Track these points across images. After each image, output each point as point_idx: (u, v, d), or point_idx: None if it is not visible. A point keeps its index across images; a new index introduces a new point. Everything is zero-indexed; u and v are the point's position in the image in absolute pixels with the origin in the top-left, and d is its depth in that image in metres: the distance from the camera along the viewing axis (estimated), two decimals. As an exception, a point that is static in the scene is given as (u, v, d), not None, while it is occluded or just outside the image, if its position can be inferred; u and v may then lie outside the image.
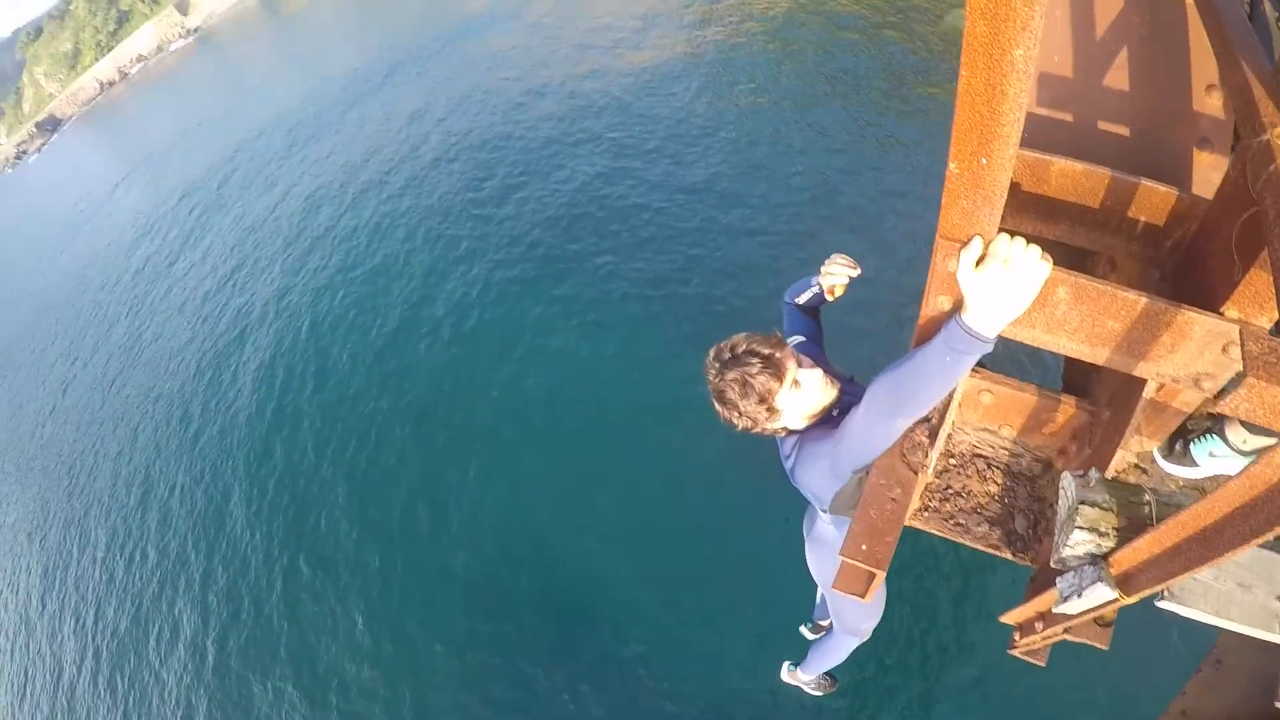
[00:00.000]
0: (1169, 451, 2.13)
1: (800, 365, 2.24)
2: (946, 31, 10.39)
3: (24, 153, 66.80)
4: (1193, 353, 1.45)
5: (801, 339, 2.70)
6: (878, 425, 1.79)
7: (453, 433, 7.82)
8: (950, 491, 2.25)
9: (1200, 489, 2.18)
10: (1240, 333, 0.99)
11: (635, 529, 6.26)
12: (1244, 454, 1.97)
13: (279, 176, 17.16)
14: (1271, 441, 1.91)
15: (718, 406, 2.27)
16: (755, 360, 2.15)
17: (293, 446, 9.05)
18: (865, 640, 3.51)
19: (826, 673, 4.51)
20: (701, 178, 9.40)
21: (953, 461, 2.29)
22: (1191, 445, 2.07)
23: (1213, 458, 2.02)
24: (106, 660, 8.61)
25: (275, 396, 9.99)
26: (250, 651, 7.40)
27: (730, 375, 2.17)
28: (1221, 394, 1.88)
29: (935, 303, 1.48)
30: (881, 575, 1.88)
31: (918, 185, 8.12)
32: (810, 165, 8.97)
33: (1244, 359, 0.98)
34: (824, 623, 4.61)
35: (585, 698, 5.53)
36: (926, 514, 2.23)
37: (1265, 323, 1.45)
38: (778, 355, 2.18)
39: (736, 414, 2.23)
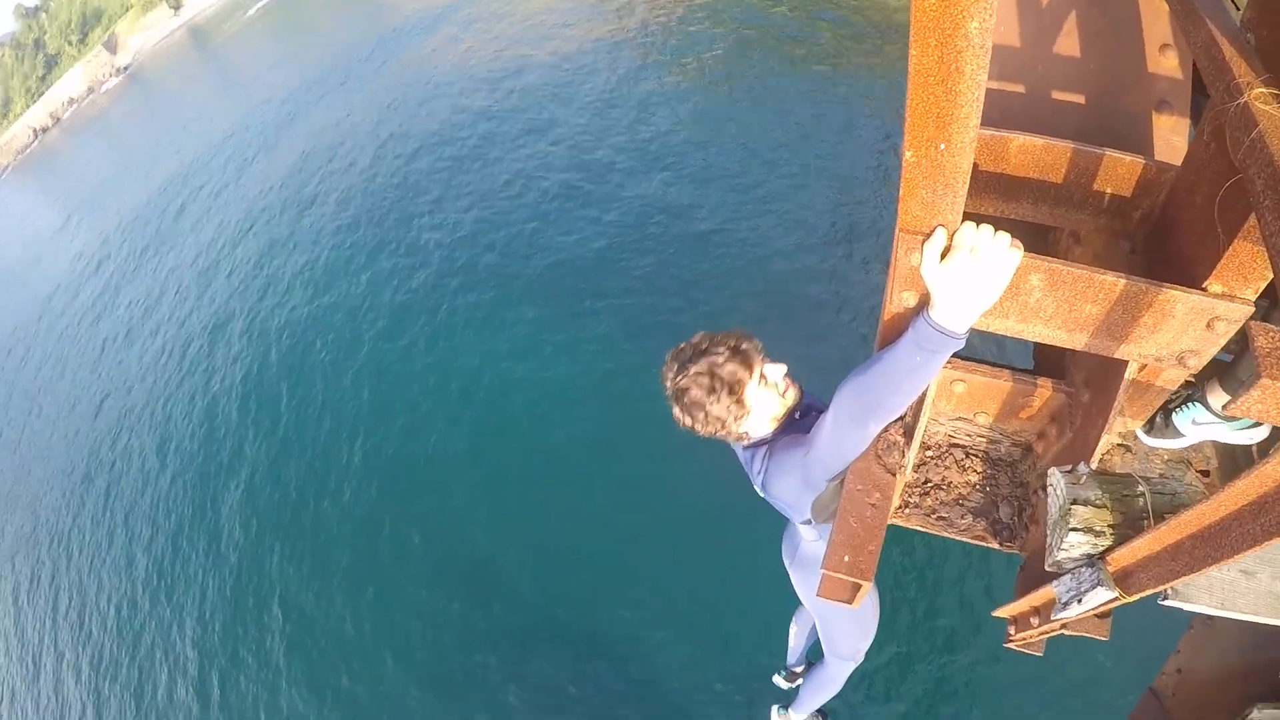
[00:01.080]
0: (1150, 426, 2.07)
1: (765, 360, 2.10)
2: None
3: (-40, 207, 65.05)
4: (1176, 331, 1.39)
5: None
6: (848, 433, 1.68)
7: (433, 458, 7.67)
8: (929, 485, 2.17)
9: (1186, 460, 2.12)
10: (1248, 329, 0.90)
11: (612, 550, 6.17)
12: (1228, 418, 1.91)
13: (217, 207, 16.82)
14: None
15: (678, 411, 2.08)
16: (722, 350, 1.99)
17: (258, 476, 8.83)
18: (859, 663, 3.30)
19: (819, 710, 4.20)
20: (654, 185, 9.29)
21: (929, 453, 2.21)
22: (1174, 415, 2.01)
23: (1196, 425, 1.96)
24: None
25: (233, 425, 9.75)
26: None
27: (695, 369, 1.99)
28: (1210, 373, 1.83)
29: (899, 300, 1.38)
30: (867, 586, 1.79)
31: (870, 172, 8.08)
32: (757, 158, 8.92)
33: (1256, 358, 0.89)
34: (798, 669, 4.37)
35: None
36: (907, 510, 2.15)
37: (1250, 295, 1.38)
38: (744, 345, 2.02)
39: (701, 415, 2.03)
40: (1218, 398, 1.89)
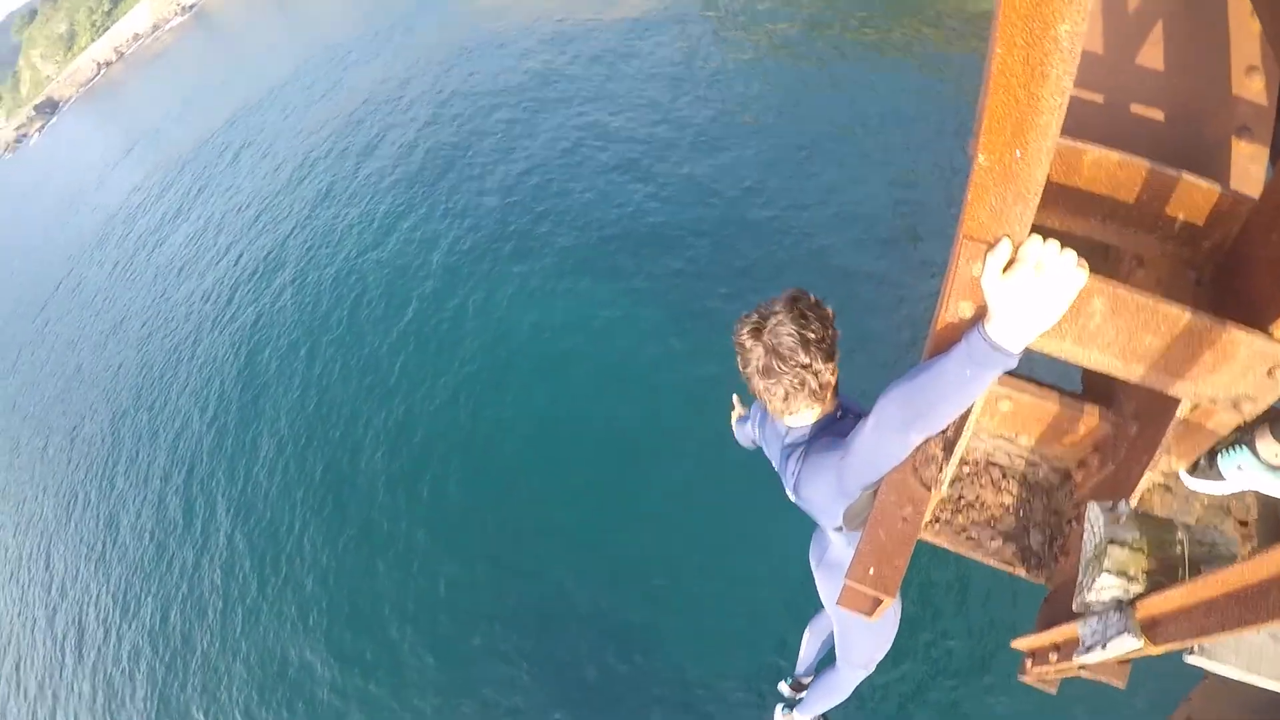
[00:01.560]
0: (1194, 467, 1.99)
1: None
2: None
3: (24, 136, 66.10)
4: (1235, 374, 1.33)
5: None
6: (887, 441, 1.61)
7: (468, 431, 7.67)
8: (963, 502, 2.10)
9: (1226, 508, 2.03)
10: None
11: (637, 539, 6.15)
12: (1274, 469, 1.83)
13: (276, 149, 16.93)
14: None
15: (774, 358, 1.88)
16: (815, 316, 1.88)
17: (279, 439, 8.93)
18: (870, 673, 3.23)
19: (824, 715, 4.11)
20: (714, 166, 9.13)
21: (966, 469, 2.14)
22: (1219, 458, 1.92)
23: (1240, 471, 1.87)
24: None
25: (266, 381, 9.87)
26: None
27: (815, 324, 1.86)
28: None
29: (955, 309, 1.32)
30: (889, 601, 1.73)
31: (934, 171, 7.87)
32: (820, 146, 8.73)
33: None
34: (806, 680, 4.29)
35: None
36: (937, 526, 2.09)
37: (1320, 345, 1.29)
38: (829, 310, 1.94)
39: (799, 367, 1.87)
40: (1267, 446, 1.80)
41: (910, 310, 6.51)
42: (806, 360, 1.87)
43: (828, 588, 2.74)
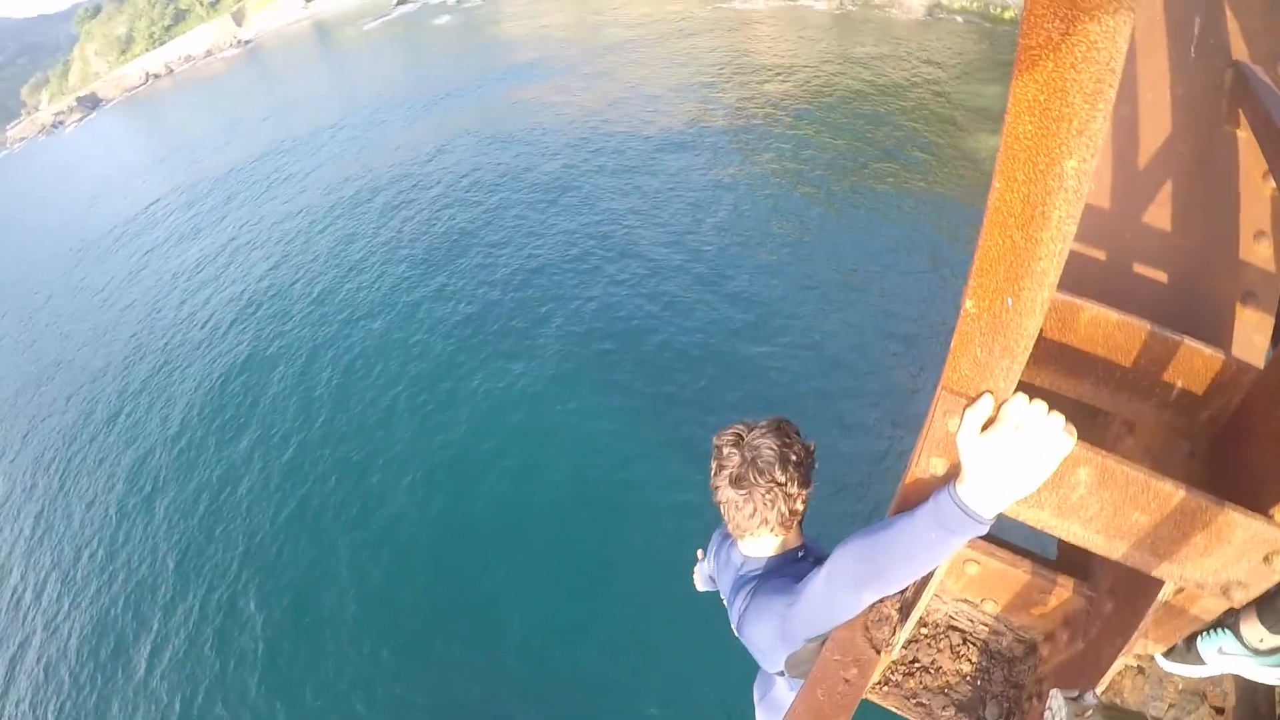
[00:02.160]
0: (1170, 649, 1.84)
1: None
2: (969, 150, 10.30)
3: (61, 123, 67.23)
4: (1228, 558, 1.21)
5: None
6: (840, 596, 1.46)
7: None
8: (917, 666, 1.93)
9: (1201, 693, 1.88)
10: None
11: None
12: (1259, 653, 1.68)
13: (299, 194, 17.14)
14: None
15: (751, 471, 1.78)
16: (799, 444, 1.82)
17: (264, 462, 8.77)
18: None
19: None
20: (719, 301, 9.12)
21: (924, 631, 1.97)
22: (1198, 639, 1.78)
23: (1222, 655, 1.73)
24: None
25: (244, 422, 9.73)
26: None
27: (799, 447, 1.80)
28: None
29: (926, 464, 1.20)
30: (821, 768, 1.54)
31: (936, 330, 7.85)
32: (817, 286, 8.76)
33: None
34: None
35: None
36: (886, 688, 1.91)
37: (1322, 532, 1.17)
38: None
39: (768, 483, 1.77)
40: (1253, 630, 1.66)
41: (891, 465, 6.42)
42: (782, 479, 1.77)
43: (765, 714, 2.56)
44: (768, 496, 1.78)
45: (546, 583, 6.35)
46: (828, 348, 7.78)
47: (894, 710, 1.88)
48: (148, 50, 73.15)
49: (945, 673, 1.90)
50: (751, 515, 1.81)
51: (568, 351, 8.54)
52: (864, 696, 1.79)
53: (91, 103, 69.76)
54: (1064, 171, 0.79)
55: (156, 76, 69.87)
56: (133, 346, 12.84)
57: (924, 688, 1.89)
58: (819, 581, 1.52)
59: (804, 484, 1.81)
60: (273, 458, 8.73)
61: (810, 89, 12.90)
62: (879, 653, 1.56)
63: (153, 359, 12.14)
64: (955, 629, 1.95)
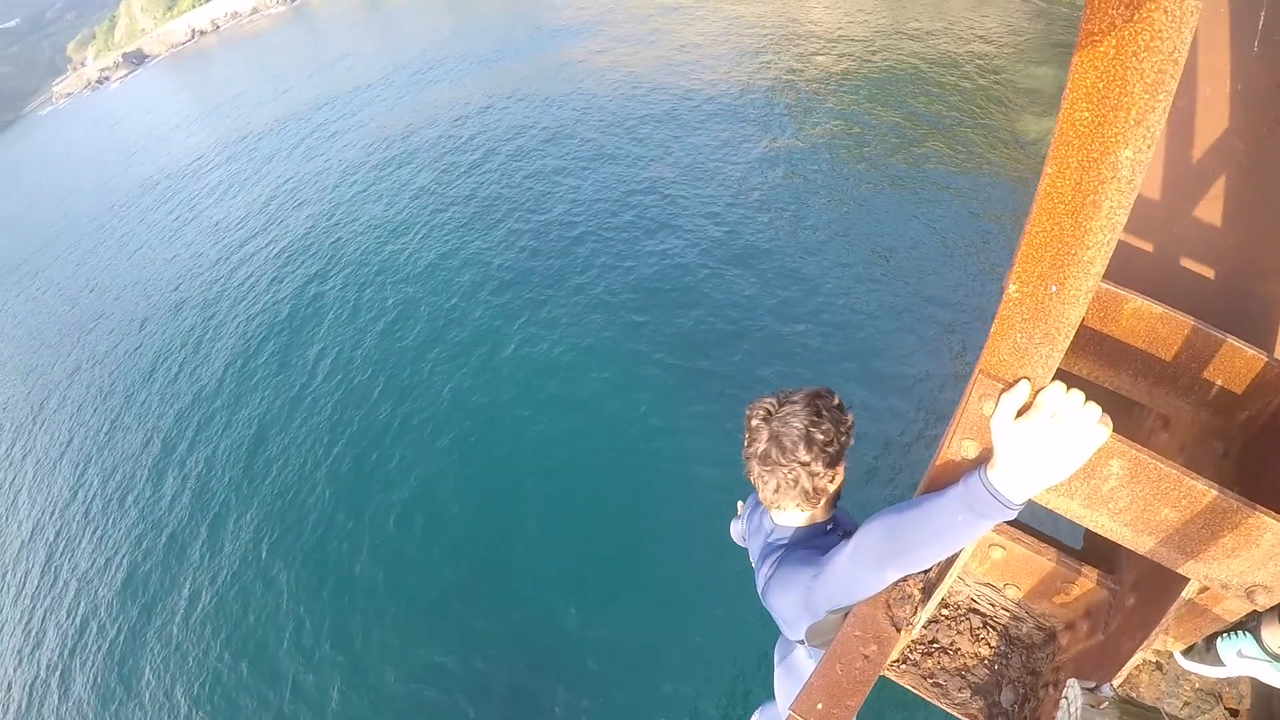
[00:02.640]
0: (1190, 649, 1.83)
1: None
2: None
3: (106, 79, 67.70)
4: (1255, 560, 1.20)
5: None
6: (864, 571, 1.48)
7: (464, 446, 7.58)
8: (936, 646, 1.94)
9: (1217, 694, 1.87)
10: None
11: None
12: (1279, 659, 1.67)
13: (341, 151, 17.17)
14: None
15: (774, 446, 1.80)
16: (848, 428, 1.83)
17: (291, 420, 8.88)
18: None
19: None
20: (760, 275, 9.00)
21: (944, 612, 1.98)
22: (1218, 641, 1.77)
23: (1241, 658, 1.73)
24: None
25: (270, 376, 9.84)
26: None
27: (826, 425, 1.78)
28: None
29: (959, 447, 1.20)
30: (834, 740, 1.56)
31: (976, 318, 7.72)
32: (855, 263, 8.62)
33: None
34: None
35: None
36: (904, 667, 1.93)
37: (1351, 542, 1.16)
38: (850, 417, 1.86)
39: (794, 461, 1.78)
40: (1274, 635, 1.66)
41: (921, 454, 6.35)
42: (806, 459, 1.77)
43: (784, 689, 2.58)
44: (790, 475, 1.79)
45: (574, 549, 6.40)
46: (864, 329, 7.70)
47: (910, 689, 1.90)
48: (194, 7, 73.18)
49: (964, 655, 1.91)
50: (776, 491, 1.83)
51: (604, 321, 8.52)
52: (882, 674, 1.81)
53: (137, 59, 70.09)
54: (1118, 161, 0.78)
55: (202, 33, 69.99)
56: (173, 301, 13.03)
57: (941, 669, 1.90)
58: (845, 555, 1.53)
59: (831, 463, 1.79)
60: (306, 417, 8.85)
61: (860, 62, 12.65)
62: (899, 631, 1.58)
63: (192, 315, 12.32)
64: (976, 612, 1.96)
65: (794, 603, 1.81)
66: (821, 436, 1.76)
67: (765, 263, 8.78)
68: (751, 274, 8.65)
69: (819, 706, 1.52)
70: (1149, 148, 0.77)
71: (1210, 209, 2.03)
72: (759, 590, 2.01)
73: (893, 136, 10.59)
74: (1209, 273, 1.98)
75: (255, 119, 24.15)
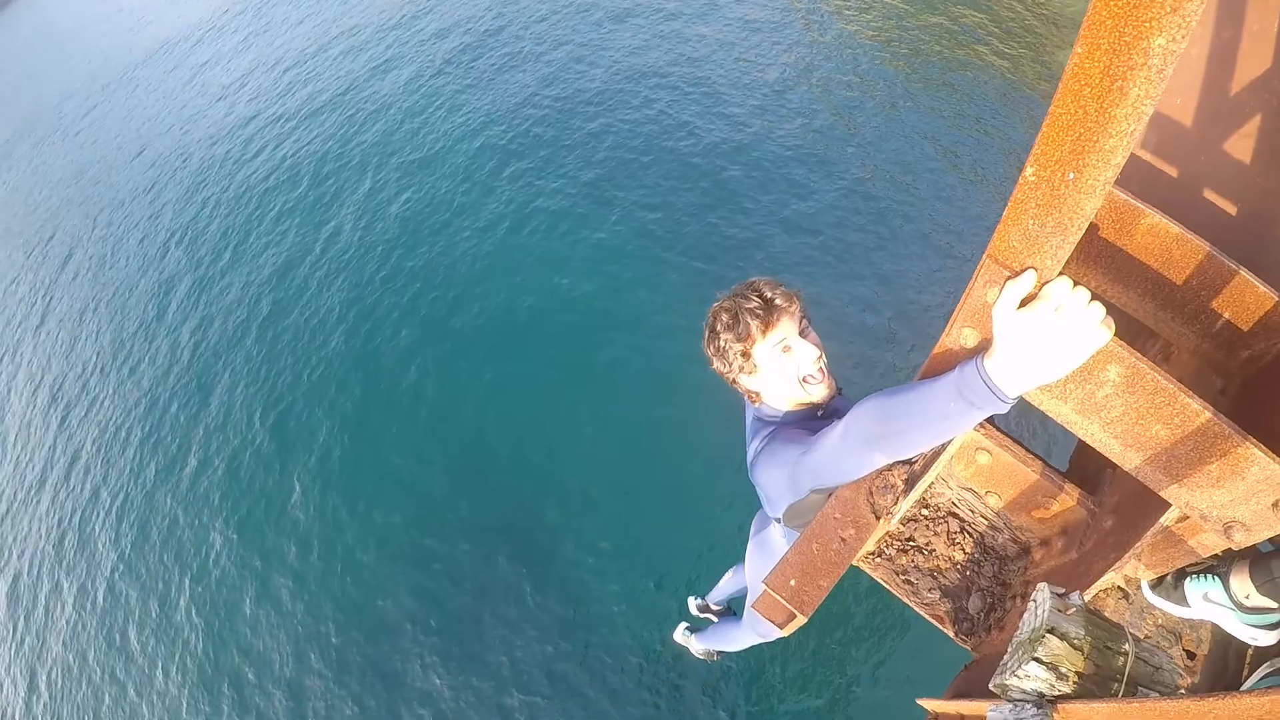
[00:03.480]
0: (1158, 583, 1.89)
1: (803, 334, 1.95)
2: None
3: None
4: (1238, 494, 1.21)
5: None
6: (851, 452, 1.50)
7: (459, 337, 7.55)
8: (912, 544, 2.00)
9: (1177, 634, 1.94)
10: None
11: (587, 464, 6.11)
12: (1243, 609, 1.72)
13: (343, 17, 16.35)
14: (1276, 606, 1.66)
15: (704, 335, 2.05)
16: (754, 298, 1.92)
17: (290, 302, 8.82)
18: (768, 641, 3.41)
19: (715, 650, 4.50)
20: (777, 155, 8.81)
21: (924, 512, 2.03)
22: (1187, 581, 1.83)
23: (1206, 601, 1.78)
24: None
25: (277, 237, 9.70)
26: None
27: (726, 303, 1.96)
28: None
29: (958, 334, 1.20)
30: (803, 618, 1.63)
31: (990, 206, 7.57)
32: (890, 167, 8.41)
33: None
34: (715, 607, 4.53)
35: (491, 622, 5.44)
36: (878, 560, 1.99)
37: (1341, 494, 1.17)
38: (778, 303, 1.92)
39: (715, 348, 1.99)
40: (1241, 584, 1.71)
41: (921, 349, 6.32)
42: (720, 346, 1.99)
43: (755, 563, 2.71)
44: (720, 363, 2.02)
45: (573, 453, 6.44)
46: (879, 251, 7.58)
47: (882, 583, 1.96)
48: None
49: (938, 556, 1.97)
50: (724, 376, 2.06)
51: (617, 217, 8.37)
52: (856, 564, 1.87)
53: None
54: (1150, 48, 0.76)
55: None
56: (170, 170, 12.74)
57: (915, 567, 1.96)
58: (834, 435, 1.56)
59: (742, 344, 1.93)
60: (315, 290, 8.79)
61: None
62: (878, 519, 1.62)
63: (187, 179, 12.07)
64: (955, 516, 2.01)
65: (780, 479, 1.87)
66: (722, 324, 1.96)
67: (784, 171, 8.56)
68: (769, 181, 8.46)
69: (792, 583, 1.57)
70: (1183, 38, 0.75)
71: (1241, 145, 1.99)
72: (749, 464, 2.08)
73: (936, 46, 10.20)
74: (1231, 208, 1.95)
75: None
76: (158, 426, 8.25)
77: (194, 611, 6.46)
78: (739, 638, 3.66)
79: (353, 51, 14.25)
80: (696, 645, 4.45)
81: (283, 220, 10.11)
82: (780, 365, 1.93)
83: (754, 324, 1.89)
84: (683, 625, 4.61)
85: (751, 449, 2.04)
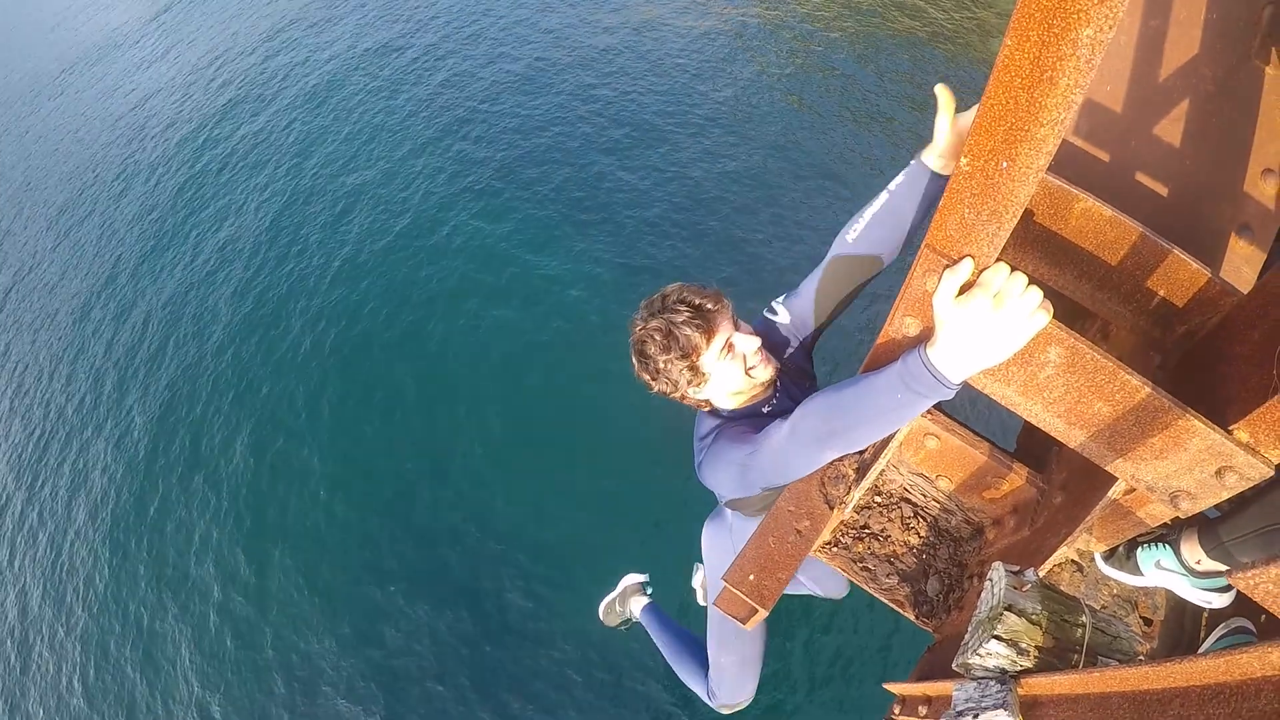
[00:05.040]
0: (1111, 554, 1.94)
1: (739, 329, 1.91)
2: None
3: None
4: (1182, 465, 1.25)
5: (774, 317, 2.18)
6: (800, 450, 1.51)
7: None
8: (867, 531, 2.03)
9: (1133, 601, 1.99)
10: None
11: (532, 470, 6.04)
12: (1195, 574, 1.78)
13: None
14: (1226, 569, 1.72)
15: (636, 363, 1.95)
16: (684, 310, 1.84)
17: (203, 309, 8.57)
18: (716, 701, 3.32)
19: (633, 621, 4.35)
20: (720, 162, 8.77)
21: (878, 499, 2.06)
22: (1139, 551, 1.88)
23: (1159, 569, 1.84)
24: None
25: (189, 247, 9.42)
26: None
27: (654, 324, 1.86)
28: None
29: (900, 324, 1.22)
30: (764, 612, 1.64)
31: None
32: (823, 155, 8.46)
33: None
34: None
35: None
36: (835, 549, 2.01)
37: (1275, 457, 1.21)
38: (711, 308, 1.86)
39: (654, 372, 1.90)
40: (1191, 550, 1.76)
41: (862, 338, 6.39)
42: (660, 369, 1.92)
43: (711, 544, 2.67)
44: (665, 385, 1.93)
45: (505, 438, 6.35)
46: (820, 246, 7.62)
47: (840, 571, 1.98)
48: None
49: (893, 542, 2.00)
50: (669, 396, 1.97)
51: (557, 217, 8.27)
52: (813, 555, 1.89)
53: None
54: (1079, 39, 0.78)
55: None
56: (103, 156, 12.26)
57: (871, 553, 1.99)
58: (782, 434, 1.56)
59: (688, 359, 1.86)
60: (232, 295, 8.51)
61: None
62: (832, 509, 1.64)
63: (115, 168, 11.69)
64: (908, 501, 2.04)
65: (729, 479, 1.86)
66: (659, 347, 1.87)
67: (721, 165, 8.54)
68: (703, 174, 8.43)
69: (751, 578, 1.59)
70: (1110, 28, 0.77)
71: (1170, 129, 2.05)
72: (696, 465, 2.04)
73: (862, 45, 10.29)
74: (1163, 190, 2.01)
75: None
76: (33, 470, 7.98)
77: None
78: (684, 666, 3.58)
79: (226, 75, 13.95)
80: (631, 610, 4.28)
81: (167, 258, 9.77)
82: (726, 367, 1.89)
83: (695, 336, 1.83)
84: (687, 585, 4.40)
85: (699, 449, 2.02)
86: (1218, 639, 1.81)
